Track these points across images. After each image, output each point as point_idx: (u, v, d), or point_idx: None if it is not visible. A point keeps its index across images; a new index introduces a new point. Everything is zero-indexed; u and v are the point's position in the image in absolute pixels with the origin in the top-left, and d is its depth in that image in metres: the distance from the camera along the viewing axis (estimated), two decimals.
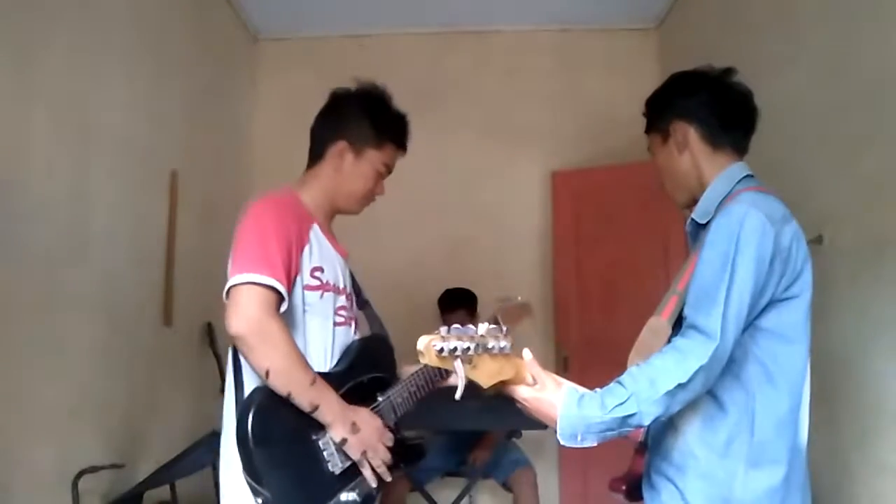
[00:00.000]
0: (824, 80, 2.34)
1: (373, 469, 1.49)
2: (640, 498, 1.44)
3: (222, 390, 3.44)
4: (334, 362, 1.59)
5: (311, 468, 1.42)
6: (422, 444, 1.74)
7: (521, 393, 1.24)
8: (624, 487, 1.49)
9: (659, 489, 1.36)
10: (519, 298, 2.11)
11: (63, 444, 2.28)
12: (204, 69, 3.47)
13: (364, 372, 1.60)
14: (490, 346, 1.15)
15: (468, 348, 1.12)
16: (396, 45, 4.20)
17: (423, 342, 1.11)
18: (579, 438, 1.19)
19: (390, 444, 1.52)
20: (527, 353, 1.25)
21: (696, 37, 3.54)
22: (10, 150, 2.09)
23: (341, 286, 1.64)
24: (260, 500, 1.36)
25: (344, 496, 1.45)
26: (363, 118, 1.66)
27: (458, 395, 1.13)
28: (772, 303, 1.29)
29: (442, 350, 1.10)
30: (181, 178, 3.12)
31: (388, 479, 1.52)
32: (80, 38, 2.43)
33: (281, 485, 1.37)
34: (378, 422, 1.52)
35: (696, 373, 1.18)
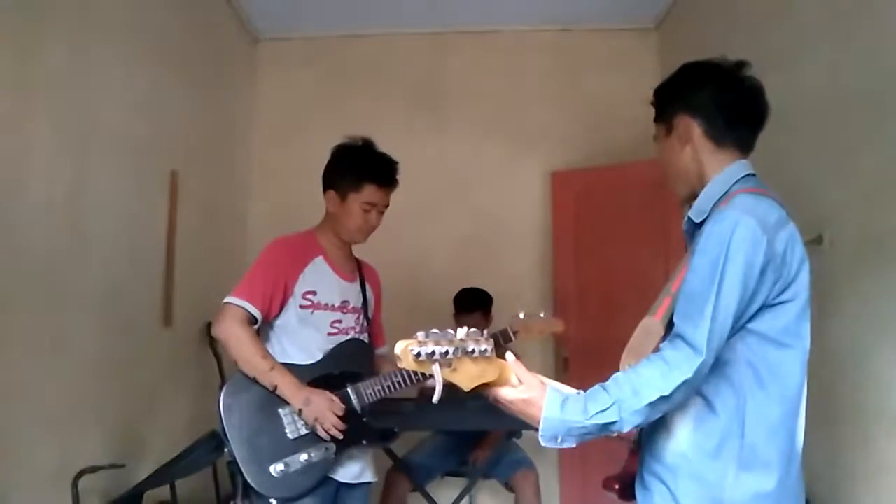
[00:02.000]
0: (824, 79, 2.34)
1: (326, 431, 1.92)
2: (633, 497, 1.44)
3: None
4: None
5: (270, 432, 1.90)
6: (391, 429, 2.14)
7: (506, 394, 1.24)
8: (617, 486, 1.50)
9: (651, 489, 1.36)
10: (542, 315, 2.35)
11: (63, 444, 2.28)
12: (204, 69, 3.47)
13: (335, 367, 2.03)
14: (470, 349, 1.15)
15: (446, 352, 1.12)
16: (396, 45, 4.20)
17: (400, 347, 1.11)
18: (559, 440, 1.22)
19: (340, 412, 1.93)
20: (509, 356, 1.25)
21: (695, 37, 3.54)
22: (10, 150, 2.09)
23: (337, 304, 2.09)
24: (226, 450, 1.88)
25: (302, 456, 1.91)
26: (344, 168, 2.09)
27: (435, 399, 1.12)
28: (764, 307, 1.28)
29: (419, 354, 1.10)
30: (181, 178, 3.12)
31: (340, 437, 1.94)
32: (80, 38, 2.43)
33: (241, 440, 1.87)
34: (328, 396, 1.94)
35: (679, 386, 1.20)
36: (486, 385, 1.22)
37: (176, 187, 3.09)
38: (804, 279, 1.32)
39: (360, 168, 2.08)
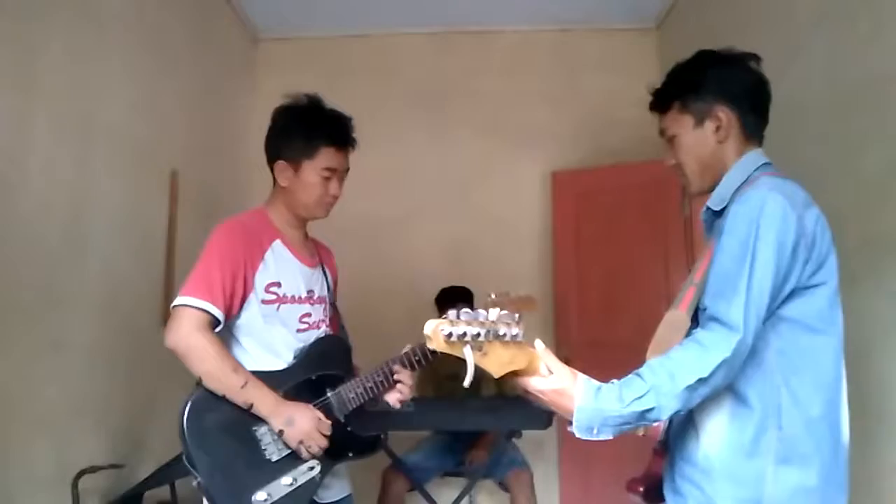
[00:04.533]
0: (824, 79, 2.34)
1: (312, 455, 1.66)
2: (659, 500, 1.38)
3: None
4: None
5: (247, 456, 1.61)
6: (378, 437, 1.85)
7: (536, 384, 1.17)
8: (642, 489, 1.43)
9: (684, 494, 1.30)
10: (516, 293, 2.10)
11: (63, 444, 2.28)
12: (204, 69, 3.47)
13: (313, 370, 1.75)
14: (501, 332, 1.08)
15: (478, 334, 1.06)
16: (396, 45, 4.20)
17: (430, 326, 1.05)
18: (595, 431, 1.15)
19: (328, 432, 1.67)
20: (539, 344, 1.19)
21: (695, 37, 3.54)
22: (10, 150, 2.09)
23: (303, 295, 1.80)
24: (195, 483, 1.57)
25: (286, 479, 1.63)
26: (291, 134, 1.77)
27: (466, 383, 1.05)
28: (796, 290, 1.22)
29: (450, 335, 1.04)
30: (181, 177, 3.12)
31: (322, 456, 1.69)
32: (80, 38, 2.44)
33: (214, 469, 1.57)
34: (314, 413, 1.67)
35: (717, 367, 1.14)
36: (514, 373, 1.15)
37: (176, 187, 3.09)
38: (833, 264, 1.27)
39: (310, 129, 1.78)
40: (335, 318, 1.97)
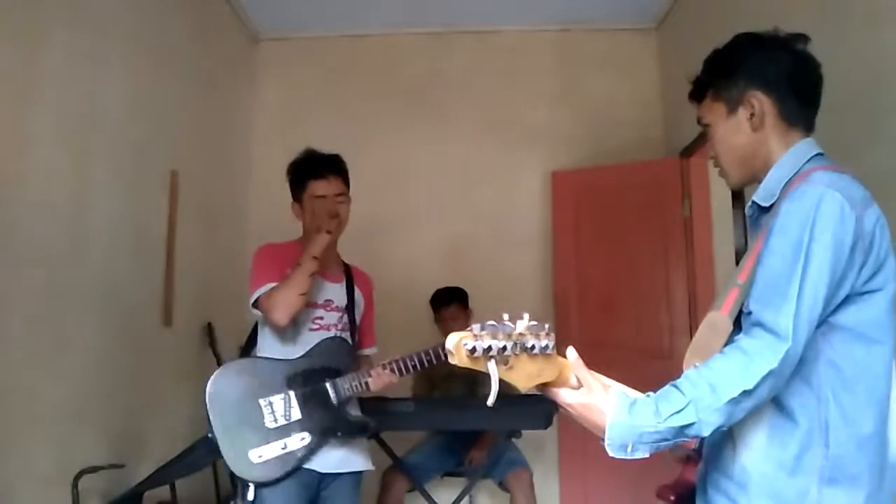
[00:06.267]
0: (823, 80, 2.34)
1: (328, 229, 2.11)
2: None
3: None
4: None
5: (251, 421, 1.98)
6: (367, 422, 2.18)
7: (565, 397, 1.10)
8: (672, 497, 1.38)
9: None
10: (526, 315, 2.16)
11: (63, 443, 2.29)
12: (204, 69, 3.47)
13: (316, 362, 2.12)
14: (530, 345, 1.02)
15: (504, 347, 0.99)
16: (396, 45, 4.20)
17: (452, 341, 0.98)
18: (629, 449, 1.06)
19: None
20: (571, 353, 1.12)
21: (695, 37, 3.54)
22: (10, 150, 2.10)
23: (319, 302, 2.18)
24: (210, 435, 1.97)
25: (280, 445, 1.97)
26: (292, 180, 2.25)
27: (490, 401, 0.98)
28: (850, 296, 1.14)
29: (474, 350, 0.97)
30: (181, 178, 3.12)
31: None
32: (80, 39, 2.44)
33: (223, 428, 1.96)
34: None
35: (763, 378, 1.05)
36: (543, 385, 1.09)
37: (176, 187, 3.09)
38: (892, 267, 1.17)
39: (300, 173, 2.23)
40: (360, 329, 2.32)
